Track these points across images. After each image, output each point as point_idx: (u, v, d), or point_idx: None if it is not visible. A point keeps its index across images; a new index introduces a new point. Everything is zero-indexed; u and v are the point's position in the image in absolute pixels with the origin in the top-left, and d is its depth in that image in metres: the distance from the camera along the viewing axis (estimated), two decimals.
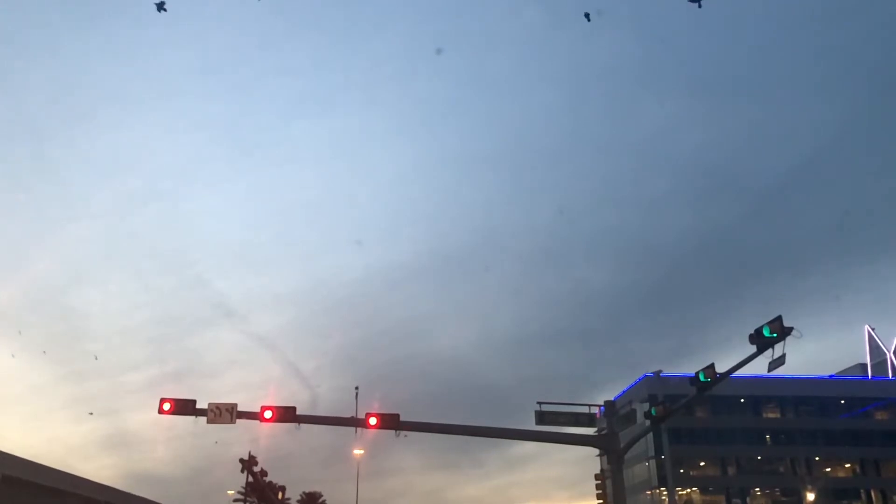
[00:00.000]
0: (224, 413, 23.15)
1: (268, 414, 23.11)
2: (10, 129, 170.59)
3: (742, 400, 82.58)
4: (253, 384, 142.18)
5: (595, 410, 24.54)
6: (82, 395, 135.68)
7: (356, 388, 30.38)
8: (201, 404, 23.34)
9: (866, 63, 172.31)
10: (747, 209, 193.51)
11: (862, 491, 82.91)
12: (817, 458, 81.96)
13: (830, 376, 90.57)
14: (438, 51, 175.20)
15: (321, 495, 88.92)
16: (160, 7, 25.56)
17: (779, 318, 18.23)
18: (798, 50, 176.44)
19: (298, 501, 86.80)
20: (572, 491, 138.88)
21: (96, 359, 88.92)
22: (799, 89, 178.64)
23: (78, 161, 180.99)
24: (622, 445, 24.10)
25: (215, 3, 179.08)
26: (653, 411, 22.82)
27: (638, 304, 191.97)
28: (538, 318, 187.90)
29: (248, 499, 64.81)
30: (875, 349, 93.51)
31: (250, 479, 63.26)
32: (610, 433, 24.03)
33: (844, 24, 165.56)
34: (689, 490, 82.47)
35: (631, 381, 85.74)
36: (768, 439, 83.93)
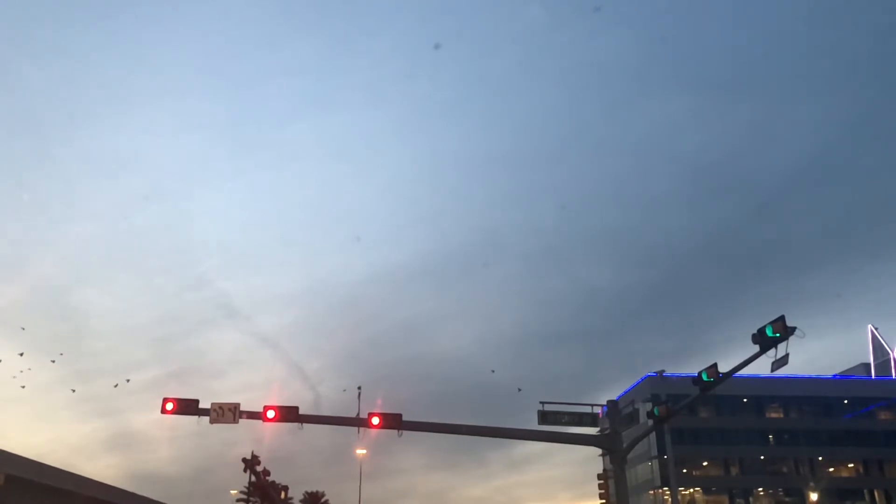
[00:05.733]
0: (227, 413, 23.18)
1: (270, 414, 23.12)
2: (13, 128, 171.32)
3: (745, 400, 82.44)
4: (256, 384, 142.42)
5: (598, 410, 24.53)
6: (86, 395, 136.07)
7: (359, 388, 30.44)
8: (204, 404, 23.37)
9: (868, 62, 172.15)
10: (750, 208, 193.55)
11: (865, 491, 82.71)
12: (820, 459, 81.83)
13: (833, 376, 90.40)
14: (437, 45, 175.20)
15: (324, 495, 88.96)
16: None
17: (782, 318, 18.21)
18: (799, 49, 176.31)
19: (301, 501, 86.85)
20: (575, 491, 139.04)
21: (116, 386, 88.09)
22: (801, 88, 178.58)
23: (81, 160, 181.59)
24: (625, 445, 24.08)
25: (216, 3, 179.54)
26: (655, 411, 22.81)
27: (640, 303, 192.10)
28: (540, 318, 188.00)
29: (251, 498, 64.87)
30: (878, 349, 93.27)
31: (253, 478, 63.38)
32: (613, 433, 24.01)
33: (846, 22, 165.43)
34: (691, 490, 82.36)
35: (633, 381, 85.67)
36: (771, 439, 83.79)
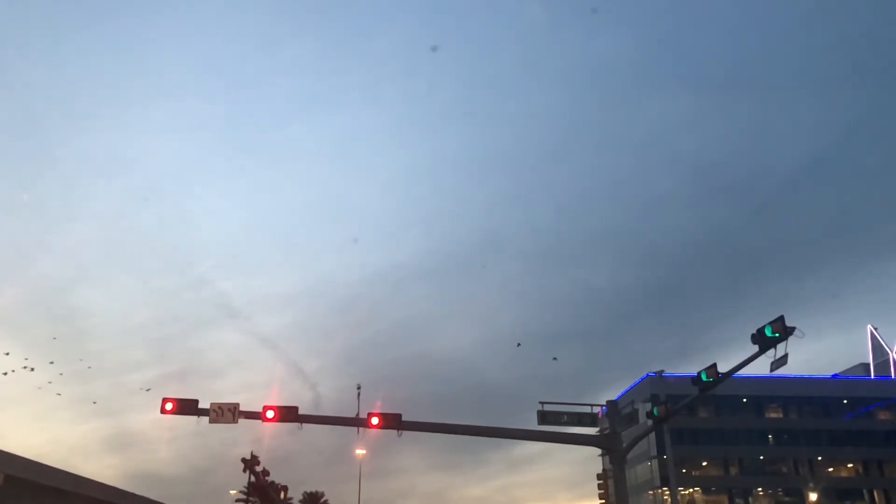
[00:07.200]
0: (226, 413, 23.20)
1: (270, 414, 23.15)
2: (13, 128, 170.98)
3: (744, 400, 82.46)
4: (255, 384, 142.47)
5: (597, 410, 24.57)
6: (85, 395, 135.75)
7: (358, 386, 30.43)
8: (203, 404, 23.40)
9: (868, 62, 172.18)
10: (749, 208, 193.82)
11: (865, 491, 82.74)
12: (820, 459, 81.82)
13: (833, 376, 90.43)
14: (434, 48, 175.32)
15: (323, 495, 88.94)
16: None
17: (781, 318, 18.23)
18: (799, 48, 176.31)
19: (300, 501, 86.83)
20: (575, 491, 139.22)
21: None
22: (801, 88, 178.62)
23: (81, 160, 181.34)
24: (624, 445, 24.11)
25: (215, 3, 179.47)
26: (655, 411, 22.84)
27: (640, 303, 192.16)
28: (540, 318, 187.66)
29: (250, 498, 64.85)
30: (878, 349, 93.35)
31: (252, 478, 63.35)
32: (612, 433, 24.04)
33: (845, 22, 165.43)
34: (691, 490, 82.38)
35: (633, 381, 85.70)
36: (771, 439, 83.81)
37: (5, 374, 41.01)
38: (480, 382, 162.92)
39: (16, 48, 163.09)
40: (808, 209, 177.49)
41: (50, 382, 47.59)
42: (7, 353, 41.92)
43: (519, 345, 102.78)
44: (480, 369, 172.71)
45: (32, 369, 42.82)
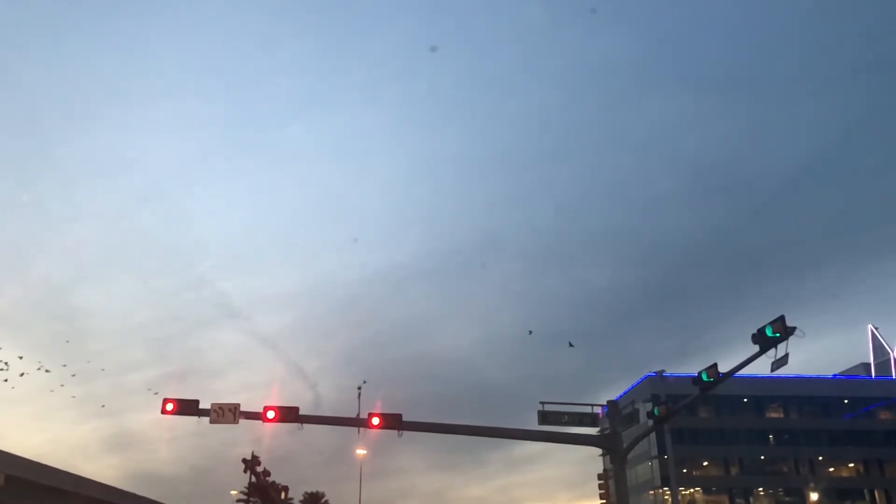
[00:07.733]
0: (227, 413, 23.18)
1: (270, 414, 23.11)
2: (13, 128, 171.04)
3: (745, 400, 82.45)
4: (256, 384, 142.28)
5: (598, 410, 24.52)
6: (85, 395, 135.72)
7: (360, 385, 30.45)
8: (204, 405, 23.36)
9: (867, 62, 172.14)
10: (750, 208, 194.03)
11: (865, 491, 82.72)
12: (820, 459, 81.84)
13: (833, 376, 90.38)
14: (433, 48, 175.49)
15: (324, 495, 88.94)
16: None
17: (781, 318, 18.21)
18: (799, 49, 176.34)
19: (301, 501, 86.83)
20: (576, 491, 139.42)
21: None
22: (800, 88, 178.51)
23: (81, 160, 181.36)
24: (625, 445, 24.08)
25: (215, 3, 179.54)
26: (655, 411, 22.81)
27: (640, 303, 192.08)
28: (540, 318, 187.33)
29: (250, 498, 64.91)
30: (878, 349, 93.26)
31: (253, 479, 63.40)
32: (613, 433, 24.01)
33: (845, 23, 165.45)
34: (692, 490, 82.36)
35: (633, 381, 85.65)
36: (771, 439, 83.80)
37: (21, 375, 40.89)
38: (480, 382, 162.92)
39: (16, 48, 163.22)
40: (808, 209, 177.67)
41: (62, 385, 47.70)
42: (21, 357, 41.74)
43: (531, 332, 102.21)
44: (480, 369, 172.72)
45: (48, 371, 42.77)
